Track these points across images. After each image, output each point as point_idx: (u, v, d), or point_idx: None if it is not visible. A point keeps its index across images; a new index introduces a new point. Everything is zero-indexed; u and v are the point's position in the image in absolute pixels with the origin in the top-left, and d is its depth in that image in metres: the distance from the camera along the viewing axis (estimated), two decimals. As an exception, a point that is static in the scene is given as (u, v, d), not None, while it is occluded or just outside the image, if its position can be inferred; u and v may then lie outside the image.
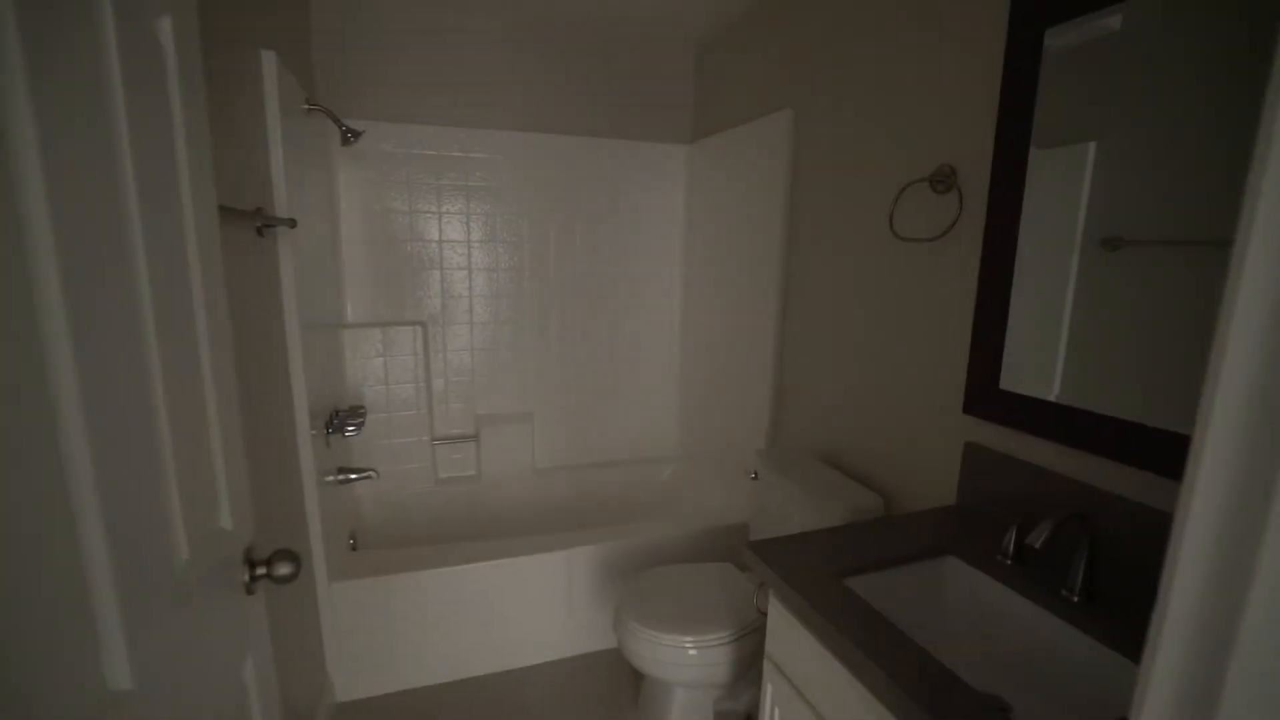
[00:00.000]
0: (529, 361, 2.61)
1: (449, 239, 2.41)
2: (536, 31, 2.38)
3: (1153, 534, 1.01)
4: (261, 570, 0.82)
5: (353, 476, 2.02)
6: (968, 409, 1.33)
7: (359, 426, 1.99)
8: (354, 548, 2.08)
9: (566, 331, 2.64)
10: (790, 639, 1.11)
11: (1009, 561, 1.14)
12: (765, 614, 1.19)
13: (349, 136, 1.96)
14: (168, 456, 0.60)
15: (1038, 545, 0.99)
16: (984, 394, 1.30)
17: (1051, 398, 1.18)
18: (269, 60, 1.43)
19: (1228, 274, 0.35)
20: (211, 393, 0.73)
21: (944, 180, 1.34)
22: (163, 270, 0.61)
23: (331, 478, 1.88)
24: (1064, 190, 1.13)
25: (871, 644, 0.91)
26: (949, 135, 1.36)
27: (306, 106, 1.78)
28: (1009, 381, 1.25)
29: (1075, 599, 1.02)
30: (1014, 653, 1.06)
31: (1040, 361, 1.20)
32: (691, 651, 1.52)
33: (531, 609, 2.00)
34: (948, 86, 1.37)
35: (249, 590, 0.81)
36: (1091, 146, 1.10)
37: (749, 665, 1.60)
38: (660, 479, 2.80)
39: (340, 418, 1.99)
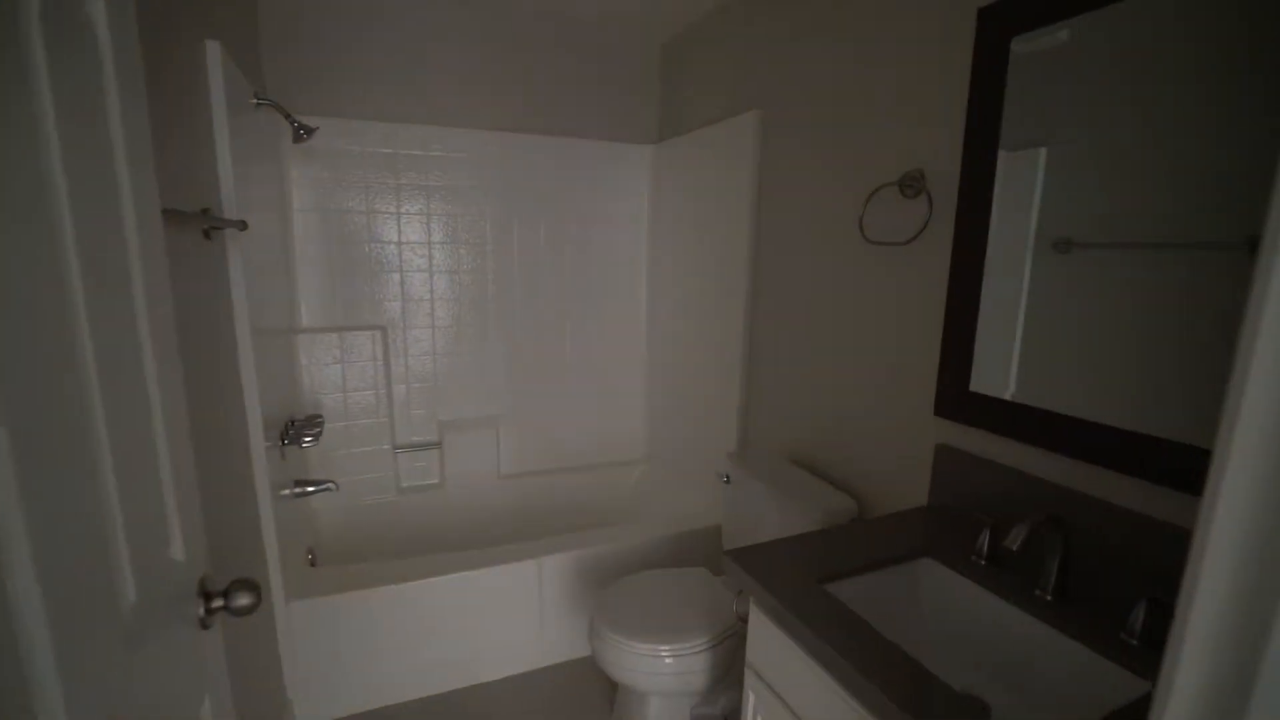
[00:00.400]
0: (493, 365, 2.54)
1: (409, 240, 2.33)
2: (499, 28, 2.32)
3: (1120, 532, 1.03)
4: (218, 602, 0.76)
5: (310, 489, 1.93)
6: (939, 411, 1.34)
7: (316, 436, 1.90)
8: (313, 564, 1.99)
9: (531, 334, 2.58)
10: (772, 646, 1.09)
11: (984, 562, 1.15)
12: (745, 621, 1.18)
13: (301, 133, 1.87)
14: (110, 486, 0.54)
15: (1015, 548, 1.00)
16: (955, 396, 1.31)
17: (1007, 397, 1.21)
18: (213, 51, 1.35)
19: (1250, 292, 0.34)
20: (158, 411, 0.67)
21: (913, 184, 1.36)
22: (99, 278, 0.55)
23: (287, 491, 1.79)
24: (1020, 194, 1.16)
25: (854, 649, 0.90)
26: (918, 139, 1.38)
27: (255, 101, 1.68)
28: (979, 384, 1.27)
29: (1049, 597, 1.04)
30: (992, 652, 1.07)
31: (1002, 363, 1.23)
32: (668, 660, 1.50)
33: (502, 620, 1.95)
34: (916, 90, 1.38)
35: (204, 625, 0.75)
36: (1043, 151, 1.13)
37: (726, 670, 1.59)
38: (629, 482, 2.77)
39: (296, 428, 1.90)
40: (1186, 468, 0.93)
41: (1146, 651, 0.90)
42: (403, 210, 2.30)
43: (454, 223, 2.38)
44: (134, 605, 0.57)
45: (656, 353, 2.71)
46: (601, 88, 2.52)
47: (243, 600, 0.76)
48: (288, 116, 1.80)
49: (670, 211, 2.51)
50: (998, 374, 1.24)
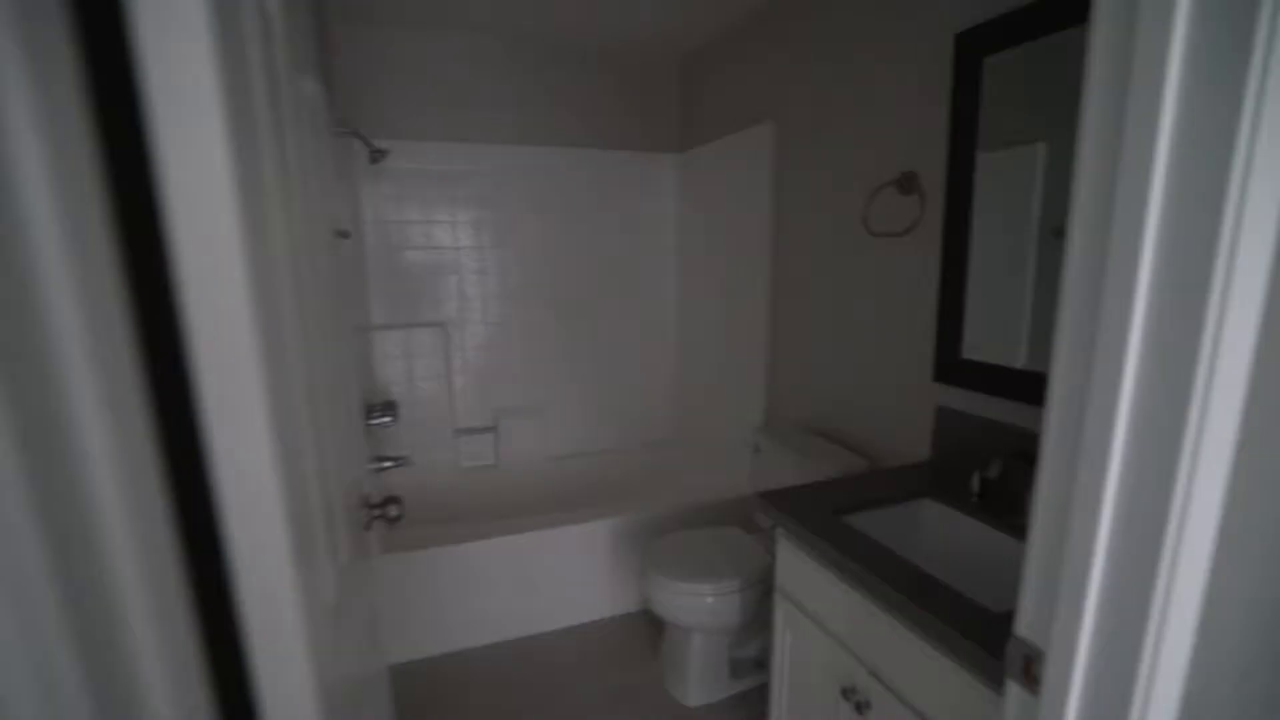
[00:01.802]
0: (539, 357, 2.81)
1: (463, 245, 2.61)
2: (536, 52, 2.59)
3: (1085, 465, 1.24)
4: (377, 511, 1.02)
5: (387, 464, 2.20)
6: (937, 377, 1.56)
7: (393, 418, 2.17)
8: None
9: (573, 328, 2.85)
10: (797, 569, 1.33)
11: (975, 499, 1.37)
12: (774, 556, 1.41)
13: (376, 155, 2.15)
14: (355, 414, 0.81)
15: (994, 476, 1.23)
16: (950, 364, 1.53)
17: (1019, 366, 1.36)
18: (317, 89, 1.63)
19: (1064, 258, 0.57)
20: (351, 380, 0.94)
21: (908, 183, 1.58)
22: (340, 281, 0.82)
23: (372, 465, 2.07)
24: (1018, 186, 1.32)
25: (870, 559, 1.13)
26: (909, 145, 1.60)
27: (339, 130, 1.97)
28: (970, 351, 1.48)
29: (1026, 522, 1.26)
30: (981, 568, 1.29)
31: (1005, 333, 1.40)
32: (709, 599, 1.74)
33: (559, 577, 2.21)
34: (905, 103, 1.61)
35: (366, 526, 1.01)
36: (1041, 147, 1.30)
37: (755, 614, 1.82)
38: (664, 460, 3.02)
39: (373, 412, 2.18)
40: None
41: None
42: (458, 219, 2.58)
43: (502, 229, 2.65)
44: (359, 500, 0.83)
45: (687, 341, 2.95)
46: (630, 103, 2.78)
47: (394, 511, 1.03)
48: (367, 142, 2.08)
49: (696, 212, 2.76)
50: (1002, 344, 1.40)
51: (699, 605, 1.74)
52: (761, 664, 1.98)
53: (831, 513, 1.32)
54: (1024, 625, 0.70)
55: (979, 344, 1.46)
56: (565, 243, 2.76)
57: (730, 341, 2.54)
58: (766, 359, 2.29)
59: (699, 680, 1.90)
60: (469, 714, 1.88)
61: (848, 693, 1.19)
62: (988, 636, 0.91)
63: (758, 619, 1.84)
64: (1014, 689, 0.71)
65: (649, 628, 2.27)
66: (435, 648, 2.10)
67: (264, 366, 0.35)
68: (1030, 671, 0.68)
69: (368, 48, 2.34)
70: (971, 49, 1.38)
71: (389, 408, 2.25)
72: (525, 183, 2.65)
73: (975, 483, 1.38)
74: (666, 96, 2.85)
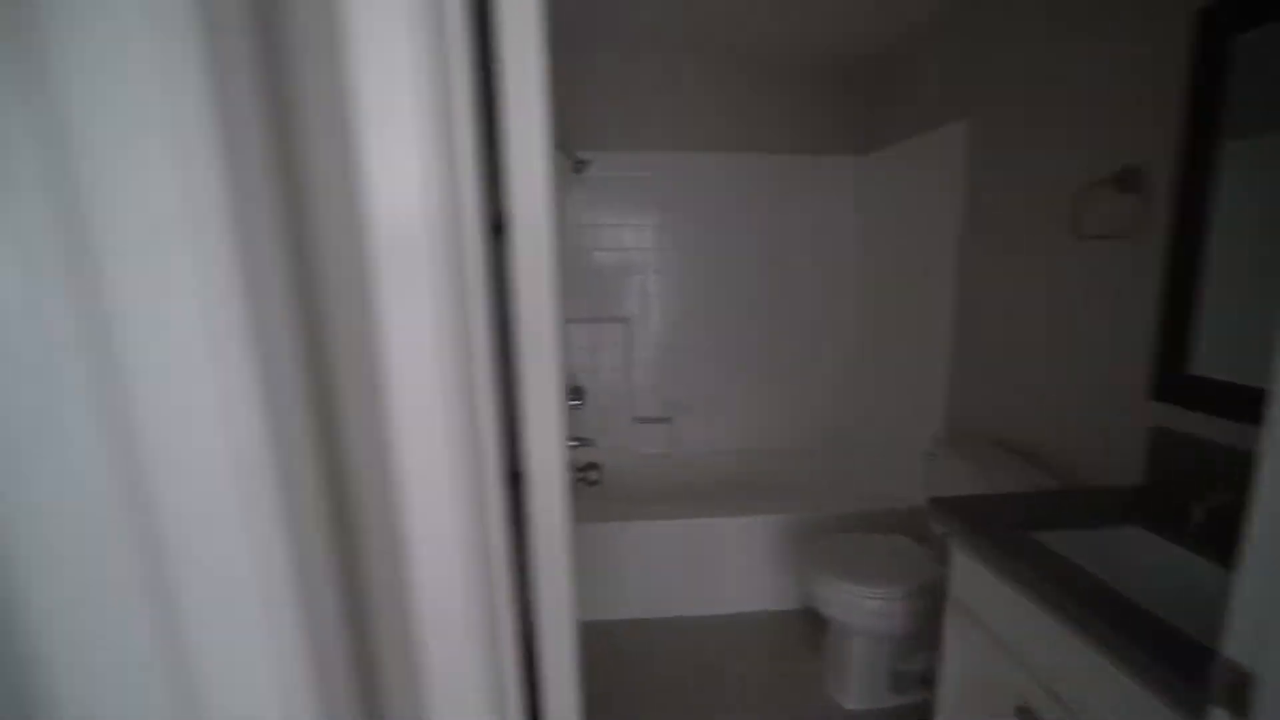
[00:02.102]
0: (715, 354, 2.93)
1: (647, 247, 2.81)
2: (723, 63, 2.70)
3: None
4: (579, 475, 1.19)
5: (574, 443, 2.46)
6: (1155, 394, 1.41)
7: (581, 402, 2.43)
8: (573, 502, 2.52)
9: (747, 327, 2.92)
10: (973, 581, 1.29)
11: (1196, 530, 1.22)
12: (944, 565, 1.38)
13: (579, 166, 2.41)
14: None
15: (1221, 507, 1.10)
16: (1172, 380, 1.37)
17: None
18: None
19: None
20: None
21: (1128, 180, 1.44)
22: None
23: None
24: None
25: (1059, 578, 1.07)
26: (1129, 137, 1.46)
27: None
28: (1201, 368, 1.32)
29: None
30: (1194, 606, 1.16)
31: (1253, 348, 1.22)
32: (871, 601, 1.73)
33: (724, 565, 2.32)
34: (1125, 93, 1.46)
35: (571, 486, 1.19)
36: None
37: (920, 626, 1.77)
38: (834, 462, 2.98)
39: (566, 395, 2.45)
40: None
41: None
42: (643, 223, 2.78)
43: (683, 231, 2.81)
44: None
45: (863, 344, 2.90)
46: (812, 109, 2.79)
47: (594, 476, 1.19)
48: (571, 156, 2.34)
49: (878, 216, 2.70)
50: (1248, 360, 1.24)
51: (861, 607, 1.74)
52: (926, 681, 1.91)
53: (1017, 526, 1.27)
54: (1234, 646, 0.66)
55: (1215, 359, 1.30)
56: (743, 245, 2.85)
57: (910, 346, 2.46)
58: (949, 365, 2.19)
59: (859, 685, 1.89)
60: (640, 678, 2.05)
61: (1022, 712, 1.14)
62: (1187, 664, 0.85)
63: (924, 632, 1.78)
64: (1218, 716, 0.67)
65: (808, 626, 2.28)
66: (607, 613, 2.31)
67: (557, 338, 0.49)
68: (1239, 697, 0.65)
69: (572, 69, 2.62)
70: (1220, 26, 1.23)
71: (578, 393, 2.51)
72: (706, 187, 2.78)
73: (1198, 512, 1.24)
74: (849, 101, 2.82)
